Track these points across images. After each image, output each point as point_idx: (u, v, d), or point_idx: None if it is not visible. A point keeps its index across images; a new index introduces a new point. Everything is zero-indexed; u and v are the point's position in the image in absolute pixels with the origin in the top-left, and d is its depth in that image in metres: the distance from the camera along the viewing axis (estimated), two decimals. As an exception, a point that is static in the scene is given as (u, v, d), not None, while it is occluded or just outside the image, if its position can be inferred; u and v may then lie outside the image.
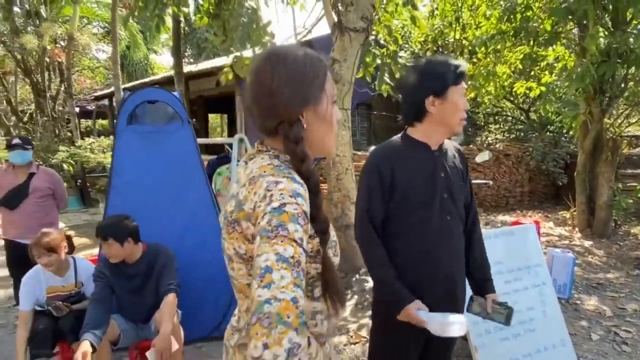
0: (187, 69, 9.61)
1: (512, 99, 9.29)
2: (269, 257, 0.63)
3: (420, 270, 1.44)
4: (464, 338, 2.27)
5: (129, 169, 3.01)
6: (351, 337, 2.95)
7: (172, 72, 9.45)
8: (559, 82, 5.65)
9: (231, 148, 4.34)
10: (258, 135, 0.92)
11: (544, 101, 4.97)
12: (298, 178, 0.78)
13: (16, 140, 3.28)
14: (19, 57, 13.28)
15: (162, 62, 21.35)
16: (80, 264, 2.60)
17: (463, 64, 1.43)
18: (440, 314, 1.29)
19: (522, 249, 2.39)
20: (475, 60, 5.28)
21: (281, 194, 0.72)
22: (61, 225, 5.32)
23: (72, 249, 2.61)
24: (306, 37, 7.32)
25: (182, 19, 6.82)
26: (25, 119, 17.40)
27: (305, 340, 0.57)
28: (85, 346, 1.93)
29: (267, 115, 0.85)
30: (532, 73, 5.73)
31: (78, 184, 9.82)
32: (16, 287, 2.67)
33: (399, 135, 1.54)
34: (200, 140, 5.22)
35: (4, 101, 18.04)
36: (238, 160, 4.24)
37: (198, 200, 3.05)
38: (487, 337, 2.12)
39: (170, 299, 2.27)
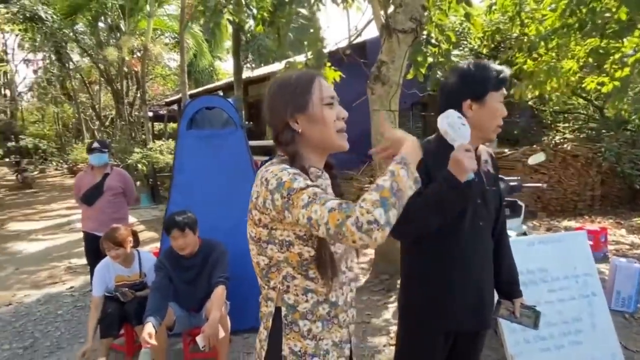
0: (246, 74, 10.08)
1: (584, 95, 8.59)
2: (302, 213, 0.87)
3: (451, 275, 1.45)
4: (500, 344, 2.20)
5: (188, 169, 3.30)
6: (391, 338, 2.96)
7: (248, 77, 9.99)
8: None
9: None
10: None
11: (613, 98, 4.57)
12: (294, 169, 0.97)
13: (95, 144, 3.70)
14: (102, 67, 14.78)
15: (226, 68, 22.45)
16: (144, 256, 2.89)
17: (505, 70, 1.42)
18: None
19: (570, 256, 2.24)
20: (536, 55, 4.99)
21: (273, 174, 0.94)
22: (133, 220, 5.86)
23: (137, 243, 2.92)
24: (358, 39, 7.37)
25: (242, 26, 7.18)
26: (107, 123, 19.31)
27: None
28: (149, 327, 2.18)
29: (272, 129, 1.09)
30: (604, 67, 5.28)
31: (150, 182, 10.69)
32: (92, 275, 3.03)
33: (433, 136, 1.56)
34: (253, 143, 5.49)
35: (90, 108, 20.18)
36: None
37: (248, 199, 3.24)
38: (525, 347, 2.03)
39: (220, 291, 2.46)
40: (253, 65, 14.76)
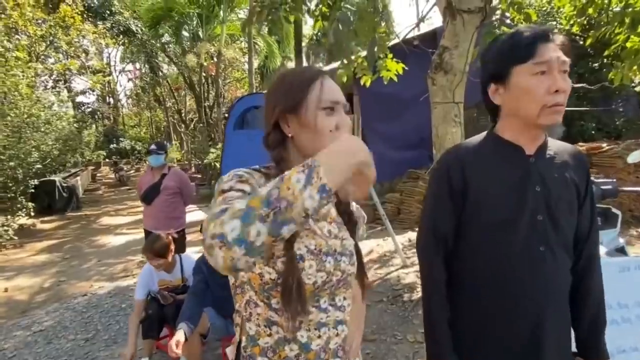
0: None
1: None
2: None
3: (492, 313, 1.10)
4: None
5: (234, 169, 3.23)
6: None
7: None
8: None
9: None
10: None
11: None
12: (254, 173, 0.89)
13: (152, 147, 3.81)
14: (185, 74, 15.88)
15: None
16: (186, 260, 2.87)
17: (535, 31, 1.03)
18: None
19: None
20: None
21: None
22: (195, 218, 6.06)
23: (181, 248, 2.91)
24: (428, 28, 6.85)
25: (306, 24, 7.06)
26: (192, 126, 20.80)
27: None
28: (179, 335, 2.12)
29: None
30: None
31: (223, 181, 11.20)
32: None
33: (484, 133, 1.20)
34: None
35: (176, 112, 21.92)
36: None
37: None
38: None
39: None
40: (322, 63, 14.74)
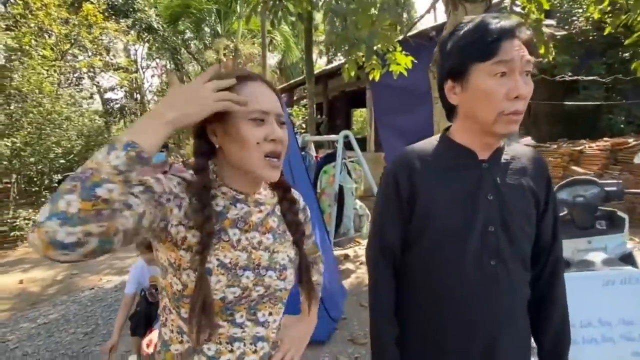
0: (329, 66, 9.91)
1: None
2: None
3: (442, 332, 1.01)
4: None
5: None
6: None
7: (323, 70, 9.93)
8: None
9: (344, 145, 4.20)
10: None
11: None
12: (174, 177, 0.85)
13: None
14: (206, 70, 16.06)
15: (321, 63, 22.73)
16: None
17: (505, 25, 0.90)
18: None
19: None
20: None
21: None
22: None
23: None
24: (442, 19, 6.58)
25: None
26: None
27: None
28: (153, 335, 2.11)
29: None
30: None
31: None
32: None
33: (438, 135, 1.10)
34: (312, 138, 5.25)
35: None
36: (343, 158, 4.07)
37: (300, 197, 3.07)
38: None
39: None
40: (341, 56, 14.58)
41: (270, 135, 0.83)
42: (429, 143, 1.08)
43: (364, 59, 4.55)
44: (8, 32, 8.38)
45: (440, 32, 6.25)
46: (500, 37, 0.89)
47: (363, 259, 4.50)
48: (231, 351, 0.85)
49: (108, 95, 20.15)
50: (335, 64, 10.89)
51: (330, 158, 4.28)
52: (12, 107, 7.60)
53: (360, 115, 16.90)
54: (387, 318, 1.06)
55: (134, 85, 25.75)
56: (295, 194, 1.05)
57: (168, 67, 21.35)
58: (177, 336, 0.86)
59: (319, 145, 6.85)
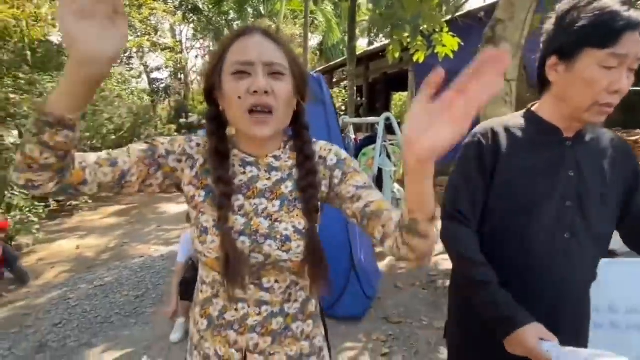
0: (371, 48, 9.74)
1: None
2: None
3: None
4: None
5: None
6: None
7: (365, 51, 9.81)
8: None
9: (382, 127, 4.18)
10: None
11: None
12: (196, 139, 0.91)
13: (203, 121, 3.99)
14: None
15: (362, 44, 22.34)
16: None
17: (632, 15, 0.86)
18: (586, 350, 0.84)
19: None
20: None
21: None
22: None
23: None
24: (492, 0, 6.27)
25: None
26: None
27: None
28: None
29: None
30: None
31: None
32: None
33: (522, 111, 1.11)
34: (352, 120, 5.24)
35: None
36: (384, 141, 4.06)
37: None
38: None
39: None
40: (385, 38, 14.25)
41: (253, 86, 0.76)
42: (513, 117, 1.10)
43: (408, 40, 4.46)
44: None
45: (491, 14, 5.99)
46: (624, 29, 0.86)
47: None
48: (236, 310, 0.86)
49: (154, 75, 20.90)
50: (376, 45, 10.69)
51: (370, 141, 4.28)
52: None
53: (399, 99, 16.57)
54: (486, 264, 1.02)
55: (179, 65, 26.53)
56: (320, 146, 0.93)
57: (211, 48, 21.79)
58: (200, 286, 0.92)
59: (357, 129, 6.83)
